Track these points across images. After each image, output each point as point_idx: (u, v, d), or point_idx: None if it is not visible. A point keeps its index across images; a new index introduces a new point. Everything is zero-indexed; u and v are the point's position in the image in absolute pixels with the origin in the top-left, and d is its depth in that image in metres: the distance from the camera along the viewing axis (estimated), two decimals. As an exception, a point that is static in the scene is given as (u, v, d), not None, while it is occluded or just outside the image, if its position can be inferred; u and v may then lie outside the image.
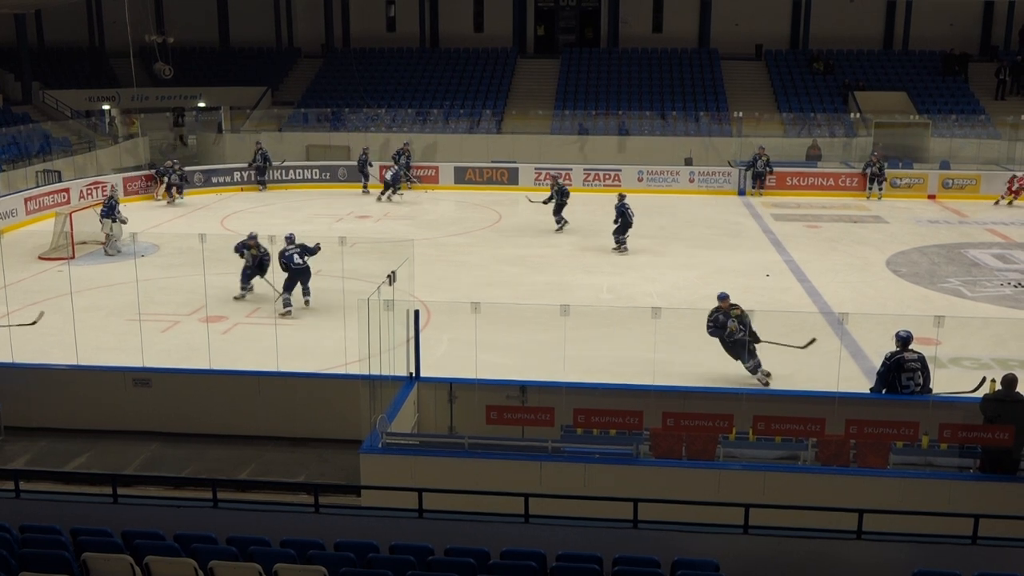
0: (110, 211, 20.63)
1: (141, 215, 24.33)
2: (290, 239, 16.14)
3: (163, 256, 20.22)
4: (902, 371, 10.68)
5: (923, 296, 17.63)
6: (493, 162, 30.48)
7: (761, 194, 28.45)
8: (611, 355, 13.54)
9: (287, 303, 15.96)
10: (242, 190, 29.32)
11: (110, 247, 20.39)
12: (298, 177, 30.35)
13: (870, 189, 28.31)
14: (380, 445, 9.47)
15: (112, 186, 23.93)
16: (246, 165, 29.65)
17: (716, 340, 12.82)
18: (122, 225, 20.80)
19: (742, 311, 12.54)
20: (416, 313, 11.04)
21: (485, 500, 7.95)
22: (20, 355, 12.55)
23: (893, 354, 10.79)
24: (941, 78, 35.39)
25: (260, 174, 29.48)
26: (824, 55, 36.55)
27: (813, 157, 31.07)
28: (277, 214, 26.04)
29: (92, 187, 26.12)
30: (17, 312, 14.97)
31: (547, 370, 11.51)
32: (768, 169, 28.51)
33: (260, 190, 29.28)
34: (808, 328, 15.27)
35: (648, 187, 29.29)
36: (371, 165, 29.21)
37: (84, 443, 11.27)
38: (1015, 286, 18.06)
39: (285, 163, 30.24)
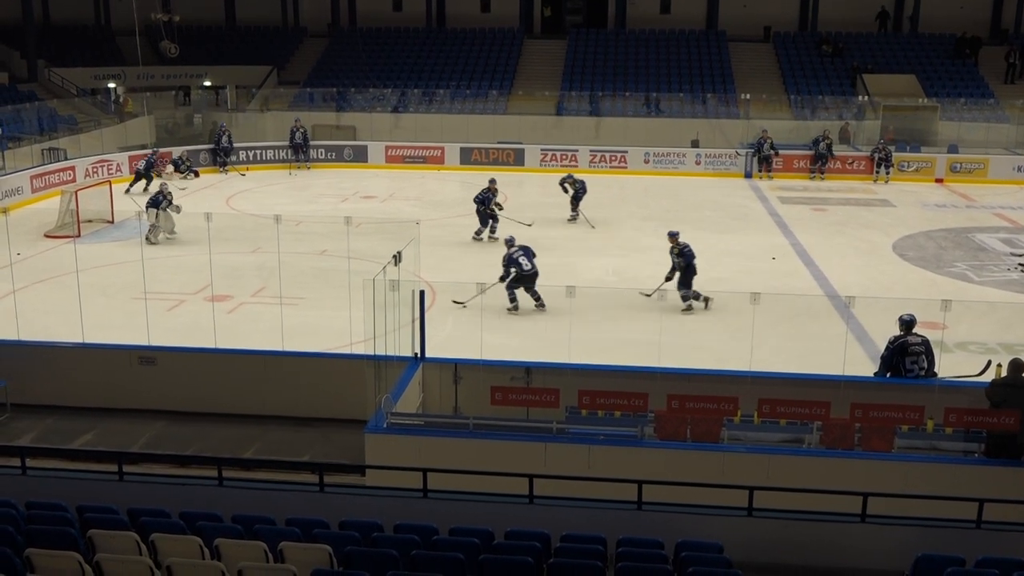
0: (155, 204, 19.88)
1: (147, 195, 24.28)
2: (510, 242, 15.73)
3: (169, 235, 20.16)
4: (906, 355, 10.64)
5: (929, 280, 17.57)
6: (499, 143, 30.40)
7: (770, 177, 28.35)
8: (616, 337, 13.53)
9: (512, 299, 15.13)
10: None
11: (153, 235, 19.67)
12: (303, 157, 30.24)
13: (877, 173, 28.19)
14: (385, 425, 9.48)
15: (163, 183, 21.99)
16: (212, 146, 29.01)
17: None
18: (173, 215, 19.97)
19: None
20: (421, 293, 11.04)
21: (489, 481, 7.95)
22: (26, 332, 12.57)
23: (897, 338, 10.75)
24: (951, 61, 35.15)
25: (225, 156, 28.85)
26: (833, 37, 36.29)
27: (844, 139, 30.88)
28: (283, 194, 26.03)
29: (98, 165, 26.11)
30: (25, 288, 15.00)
31: (552, 351, 11.50)
32: (774, 151, 28.41)
33: (219, 172, 28.49)
34: (813, 311, 15.26)
35: (654, 169, 29.24)
36: None
37: (90, 421, 11.31)
38: (1022, 270, 17.99)
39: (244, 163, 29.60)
